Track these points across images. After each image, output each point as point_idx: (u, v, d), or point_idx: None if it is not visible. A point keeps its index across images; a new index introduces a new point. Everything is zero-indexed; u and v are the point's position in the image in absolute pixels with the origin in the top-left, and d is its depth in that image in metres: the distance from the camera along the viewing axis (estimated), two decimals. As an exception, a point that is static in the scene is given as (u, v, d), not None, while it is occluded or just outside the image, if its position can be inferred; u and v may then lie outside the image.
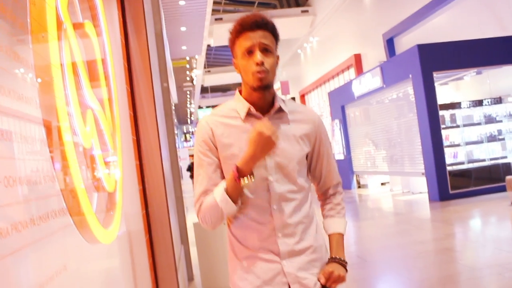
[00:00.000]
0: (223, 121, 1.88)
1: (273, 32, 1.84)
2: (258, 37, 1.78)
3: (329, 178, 2.04)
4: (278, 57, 1.87)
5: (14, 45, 1.23)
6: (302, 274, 1.85)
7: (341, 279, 1.87)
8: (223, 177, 1.88)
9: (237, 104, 1.89)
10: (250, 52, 1.78)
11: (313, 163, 2.00)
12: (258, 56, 1.76)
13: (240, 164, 1.75)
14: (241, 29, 1.80)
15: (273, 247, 1.84)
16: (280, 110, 1.89)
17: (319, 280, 1.86)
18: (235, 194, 1.78)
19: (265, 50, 1.78)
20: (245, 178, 1.75)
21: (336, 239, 1.97)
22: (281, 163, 1.84)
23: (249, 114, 1.86)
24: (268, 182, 1.83)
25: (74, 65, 1.85)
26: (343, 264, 1.92)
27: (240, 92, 1.92)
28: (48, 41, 1.53)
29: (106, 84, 2.39)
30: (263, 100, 1.86)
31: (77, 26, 2.02)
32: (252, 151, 1.72)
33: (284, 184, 1.85)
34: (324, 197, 2.08)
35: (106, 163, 2.19)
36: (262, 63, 1.76)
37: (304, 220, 1.90)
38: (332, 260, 1.92)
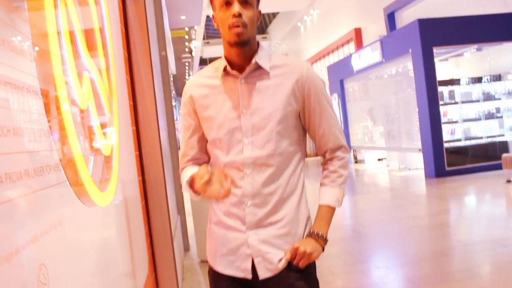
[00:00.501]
0: (203, 82, 1.82)
1: None
2: None
3: (324, 139, 1.82)
4: (260, 13, 1.74)
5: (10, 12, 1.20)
6: (265, 247, 1.72)
7: (307, 256, 1.71)
8: (202, 139, 1.85)
9: (218, 62, 1.80)
10: (228, 3, 1.64)
11: (306, 122, 1.81)
12: (236, 7, 1.62)
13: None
14: None
15: (241, 215, 1.74)
16: (259, 67, 1.74)
17: (285, 256, 1.73)
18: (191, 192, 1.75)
19: (244, 2, 1.65)
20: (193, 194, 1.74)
21: (322, 212, 1.81)
22: (258, 124, 1.71)
23: (226, 73, 1.76)
24: (243, 144, 1.72)
25: (70, 25, 1.82)
26: (320, 240, 1.75)
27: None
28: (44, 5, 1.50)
29: (103, 47, 2.35)
30: (242, 57, 1.73)
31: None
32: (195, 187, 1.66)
33: (260, 147, 1.71)
34: (323, 162, 1.89)
35: (102, 126, 2.17)
36: (239, 15, 1.62)
37: (282, 189, 1.74)
38: (309, 235, 1.77)
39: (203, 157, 1.90)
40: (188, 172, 1.79)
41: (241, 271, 1.74)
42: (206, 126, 1.79)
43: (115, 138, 2.39)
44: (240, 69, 1.74)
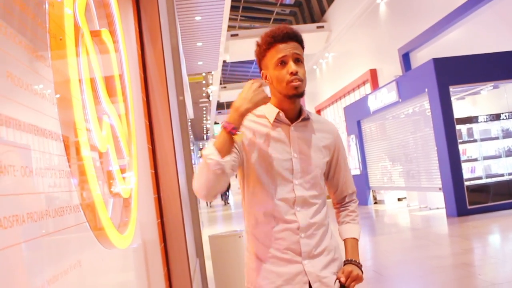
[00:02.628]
0: (251, 126, 1.94)
1: (302, 44, 1.94)
2: (290, 48, 1.87)
3: (345, 186, 2.14)
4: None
5: (33, 60, 1.25)
6: (323, 273, 1.93)
7: (359, 278, 1.96)
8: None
9: (266, 110, 1.96)
10: (283, 62, 1.87)
11: (331, 172, 2.11)
12: (293, 66, 1.85)
13: (232, 116, 1.76)
14: (272, 41, 1.89)
15: (295, 247, 1.91)
16: (307, 118, 1.99)
17: (339, 279, 1.94)
18: (224, 149, 1.73)
19: (297, 60, 1.89)
20: (238, 133, 1.75)
21: (351, 244, 2.06)
22: (306, 169, 1.95)
23: (277, 120, 1.95)
24: (293, 185, 1.92)
25: (91, 70, 1.88)
26: (358, 266, 2.00)
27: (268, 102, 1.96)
28: (66, 48, 1.56)
29: (122, 93, 2.41)
30: (293, 109, 1.95)
31: (95, 34, 2.05)
32: (239, 101, 1.77)
33: (307, 188, 1.95)
34: (340, 205, 2.17)
35: (122, 169, 2.20)
36: (296, 73, 1.85)
37: (323, 223, 1.99)
38: (348, 262, 2.01)
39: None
40: (207, 148, 1.78)
41: None
42: (253, 161, 1.91)
43: (134, 181, 2.42)
44: (289, 118, 1.96)
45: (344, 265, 2.02)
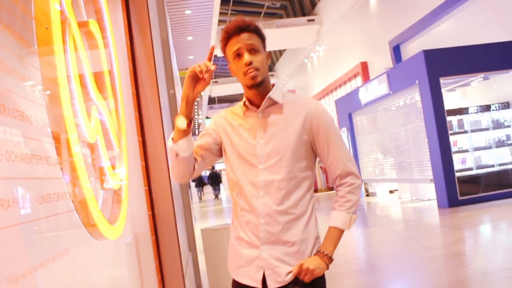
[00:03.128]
0: (229, 116, 2.10)
1: (257, 32, 1.97)
2: (243, 39, 1.92)
3: (333, 166, 2.03)
4: (267, 55, 2.01)
5: (19, 48, 1.24)
6: (277, 262, 1.93)
7: (310, 272, 1.90)
8: (205, 150, 2.05)
9: (240, 102, 2.08)
10: (238, 55, 1.94)
11: (319, 152, 2.05)
12: (246, 57, 1.91)
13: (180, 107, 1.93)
14: (227, 36, 1.96)
15: (255, 232, 1.95)
16: (273, 102, 2.01)
17: (291, 272, 1.93)
18: (175, 135, 1.93)
19: (252, 50, 1.93)
20: (180, 117, 1.91)
21: (330, 233, 1.99)
22: (270, 153, 1.96)
23: (246, 110, 2.04)
24: (258, 170, 1.96)
25: (78, 61, 1.86)
26: (324, 258, 1.94)
27: None
28: (52, 37, 1.54)
29: (111, 84, 2.40)
30: (259, 97, 2.00)
31: (82, 24, 2.03)
32: (183, 90, 1.89)
33: (273, 172, 1.95)
34: (335, 187, 2.07)
35: (111, 160, 2.19)
36: (250, 63, 1.90)
37: (292, 210, 1.95)
38: (316, 253, 1.97)
39: (196, 155, 2.05)
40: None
41: (254, 281, 1.96)
42: (227, 149, 2.05)
43: (124, 173, 2.41)
44: (258, 106, 2.01)
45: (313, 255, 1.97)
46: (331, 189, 18.81)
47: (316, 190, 20.38)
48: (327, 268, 1.95)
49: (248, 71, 1.91)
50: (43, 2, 1.51)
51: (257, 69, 1.91)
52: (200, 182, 29.93)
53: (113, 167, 2.23)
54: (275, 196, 1.94)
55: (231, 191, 2.07)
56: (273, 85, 2.06)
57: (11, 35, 1.18)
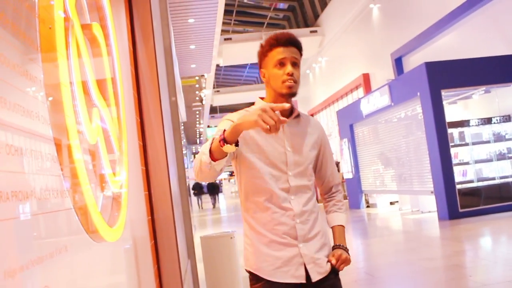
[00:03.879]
0: None
1: (301, 51, 2.17)
2: (290, 52, 2.09)
3: (331, 178, 2.36)
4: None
5: (21, 47, 1.25)
6: (316, 255, 2.13)
7: (347, 261, 2.19)
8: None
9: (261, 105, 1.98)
10: (282, 63, 2.09)
11: (318, 165, 2.32)
12: (290, 67, 2.07)
13: (228, 131, 1.84)
14: (276, 43, 2.11)
15: (291, 232, 2.10)
16: (298, 116, 2.22)
17: (330, 262, 2.16)
18: (216, 153, 1.88)
19: (295, 64, 2.10)
20: (228, 145, 1.83)
21: (339, 230, 2.30)
22: (299, 161, 2.15)
23: None
24: (288, 176, 2.13)
25: (81, 64, 1.88)
26: (346, 250, 2.23)
27: (262, 99, 2.23)
28: (55, 36, 1.56)
29: (113, 87, 2.41)
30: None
31: (85, 27, 2.05)
32: (241, 121, 1.80)
33: (300, 179, 2.15)
34: (327, 195, 2.39)
35: (112, 163, 2.20)
36: (292, 74, 2.07)
37: (314, 209, 2.19)
38: (337, 247, 2.23)
39: None
40: (207, 142, 1.96)
41: (296, 278, 2.09)
42: (250, 155, 2.10)
43: (124, 176, 2.42)
44: (282, 116, 2.03)
45: (333, 249, 2.23)
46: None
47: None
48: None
49: (288, 80, 2.06)
50: (47, 9, 1.53)
51: (295, 81, 2.09)
52: (199, 191, 29.93)
53: (113, 170, 2.24)
54: (302, 199, 2.15)
55: (251, 197, 2.13)
56: None
57: (15, 33, 1.19)
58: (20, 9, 1.27)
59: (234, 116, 2.13)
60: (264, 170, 2.11)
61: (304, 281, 2.10)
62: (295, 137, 2.18)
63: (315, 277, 2.11)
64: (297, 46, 2.14)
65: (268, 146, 2.12)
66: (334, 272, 2.19)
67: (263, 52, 2.16)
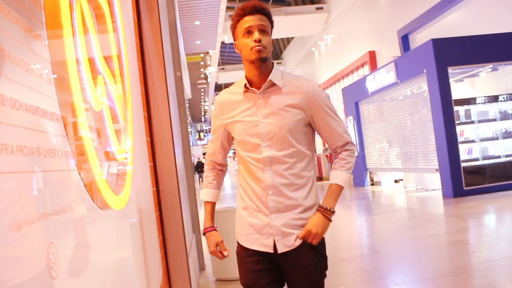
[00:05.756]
0: (229, 97, 2.27)
1: (269, 17, 2.16)
2: (256, 19, 2.10)
3: (333, 139, 2.26)
4: (273, 41, 2.18)
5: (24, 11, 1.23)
6: (285, 228, 2.14)
7: (318, 236, 2.13)
8: (224, 143, 2.37)
9: (240, 81, 2.25)
10: (249, 32, 2.10)
11: (316, 128, 2.26)
12: (257, 34, 2.08)
13: (205, 230, 2.34)
14: (242, 13, 2.12)
15: (264, 202, 2.15)
16: (273, 84, 2.16)
17: (298, 237, 2.14)
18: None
19: (263, 31, 2.11)
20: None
21: (331, 189, 2.22)
22: (272, 131, 2.13)
23: (247, 89, 2.19)
24: (261, 147, 2.14)
25: (86, 31, 1.86)
26: (327, 213, 2.16)
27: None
28: (59, 3, 1.54)
29: (117, 56, 2.40)
30: (260, 76, 2.16)
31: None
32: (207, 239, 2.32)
33: (277, 148, 2.14)
34: (334, 155, 2.32)
35: (117, 133, 2.20)
36: (260, 40, 2.07)
37: (295, 181, 2.15)
38: (317, 209, 2.19)
39: (220, 158, 2.43)
40: (207, 193, 2.40)
41: (265, 247, 2.15)
42: (232, 130, 2.25)
43: (129, 146, 2.42)
44: (259, 86, 2.18)
45: (315, 212, 2.19)
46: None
47: (321, 179, 20.41)
48: (331, 221, 2.18)
49: (255, 46, 2.06)
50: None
51: (263, 46, 2.08)
52: (202, 169, 29.94)
53: (119, 139, 2.24)
54: (279, 170, 2.13)
55: (239, 164, 2.28)
56: (273, 66, 2.20)
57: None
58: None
59: (220, 99, 2.30)
60: (241, 141, 2.20)
61: (271, 251, 2.15)
62: (269, 106, 2.15)
63: (281, 249, 2.14)
64: (263, 13, 2.13)
65: (242, 119, 2.19)
66: (307, 247, 2.15)
67: (233, 25, 2.18)
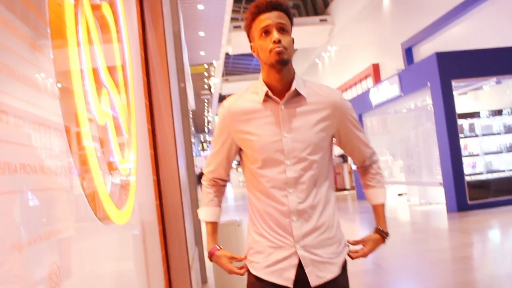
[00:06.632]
0: (244, 105, 1.93)
1: (288, 13, 1.87)
2: (274, 17, 1.82)
3: (361, 152, 2.08)
4: (293, 40, 1.89)
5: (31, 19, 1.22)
6: (317, 257, 1.88)
7: (365, 255, 2.04)
8: (228, 158, 2.05)
9: (258, 86, 1.93)
10: (267, 32, 1.82)
11: (342, 142, 2.03)
12: (275, 34, 1.80)
13: (210, 253, 2.05)
14: (257, 11, 1.84)
15: (287, 229, 1.87)
16: (297, 93, 1.89)
17: (349, 255, 2.01)
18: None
19: (282, 30, 1.83)
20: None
21: (380, 211, 2.10)
22: (298, 147, 1.86)
23: (267, 98, 1.89)
24: (285, 165, 1.86)
25: (90, 42, 1.85)
26: (384, 235, 2.06)
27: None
28: (64, 12, 1.53)
29: (122, 69, 2.38)
30: (281, 82, 1.87)
31: (95, 7, 2.02)
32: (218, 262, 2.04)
33: (302, 168, 1.86)
34: (362, 168, 2.14)
35: (121, 146, 2.18)
36: (279, 41, 1.79)
37: (321, 203, 1.91)
38: (377, 231, 2.07)
39: (223, 175, 2.12)
40: (209, 212, 2.10)
41: (284, 280, 1.88)
42: (245, 145, 1.93)
43: (132, 159, 2.39)
44: (280, 94, 1.89)
45: (373, 232, 2.08)
46: (353, 188, 18.59)
47: (344, 189, 19.98)
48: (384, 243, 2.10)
49: (275, 48, 1.79)
50: None
51: (284, 48, 1.81)
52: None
53: (122, 152, 2.21)
54: (305, 192, 1.88)
55: (249, 182, 1.98)
56: (294, 72, 1.93)
57: (29, 9, 1.16)
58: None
59: (229, 106, 1.97)
60: (260, 160, 1.90)
61: (291, 285, 1.88)
62: (294, 119, 1.88)
63: (314, 281, 1.88)
64: (282, 9, 1.85)
65: (262, 133, 1.89)
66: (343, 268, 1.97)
67: (248, 25, 1.91)
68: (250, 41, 1.94)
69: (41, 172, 1.05)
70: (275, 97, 1.88)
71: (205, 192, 2.11)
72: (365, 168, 2.13)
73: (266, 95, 1.88)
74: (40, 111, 1.15)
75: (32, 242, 0.94)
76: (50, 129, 1.17)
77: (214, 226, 2.10)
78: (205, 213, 2.09)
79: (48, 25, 1.31)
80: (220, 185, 2.13)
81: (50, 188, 1.14)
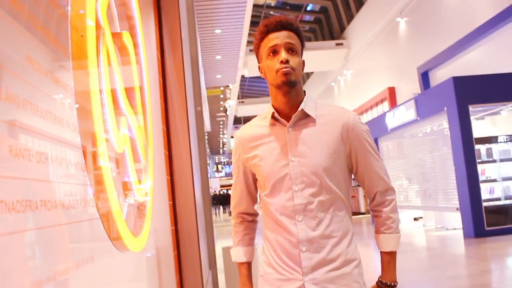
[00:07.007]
0: (252, 132, 1.88)
1: (298, 33, 1.80)
2: (283, 36, 1.74)
3: (372, 183, 1.87)
4: (303, 62, 1.82)
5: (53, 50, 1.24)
6: (327, 285, 1.74)
7: None
8: (249, 187, 1.96)
9: (267, 112, 1.86)
10: (275, 51, 1.75)
11: (354, 167, 1.86)
12: (283, 54, 1.72)
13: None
14: (266, 30, 1.78)
15: (296, 260, 1.75)
16: (305, 115, 1.79)
17: None
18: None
19: (291, 50, 1.74)
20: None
21: (386, 260, 1.88)
22: (305, 172, 1.75)
23: (274, 121, 1.82)
24: (292, 191, 1.75)
25: (111, 72, 1.88)
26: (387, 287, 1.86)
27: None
28: (86, 43, 1.56)
29: (140, 95, 2.41)
30: (289, 104, 1.79)
31: (116, 35, 2.05)
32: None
33: (311, 193, 1.74)
34: (373, 206, 1.91)
35: (138, 172, 2.19)
36: (287, 61, 1.71)
37: (334, 233, 1.76)
38: (376, 283, 1.89)
39: (249, 208, 2.01)
40: (240, 252, 1.98)
41: None
42: (256, 171, 1.86)
43: (149, 186, 2.41)
44: (288, 117, 1.79)
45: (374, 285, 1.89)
46: (368, 212, 18.49)
47: (359, 213, 19.87)
48: None
49: (282, 68, 1.70)
50: (79, 16, 1.53)
51: (292, 68, 1.71)
52: (218, 201, 29.91)
53: (139, 179, 2.23)
54: (315, 220, 1.74)
55: (264, 216, 1.89)
56: (305, 94, 1.85)
57: (47, 40, 1.18)
58: (52, 16, 1.27)
59: (240, 136, 1.92)
60: (267, 187, 1.81)
61: None
62: (302, 142, 1.77)
63: None
64: (291, 28, 1.76)
65: (267, 159, 1.80)
66: None
67: (256, 44, 1.82)
68: (258, 62, 1.86)
69: (61, 207, 1.06)
70: (282, 120, 1.80)
71: (234, 231, 2.02)
72: (375, 207, 1.90)
73: (273, 117, 1.81)
74: (61, 148, 1.17)
75: (50, 279, 0.95)
76: (68, 161, 1.19)
77: (248, 267, 1.96)
78: (235, 254, 1.98)
79: (71, 58, 1.34)
80: (248, 220, 2.02)
81: (68, 222, 1.15)
